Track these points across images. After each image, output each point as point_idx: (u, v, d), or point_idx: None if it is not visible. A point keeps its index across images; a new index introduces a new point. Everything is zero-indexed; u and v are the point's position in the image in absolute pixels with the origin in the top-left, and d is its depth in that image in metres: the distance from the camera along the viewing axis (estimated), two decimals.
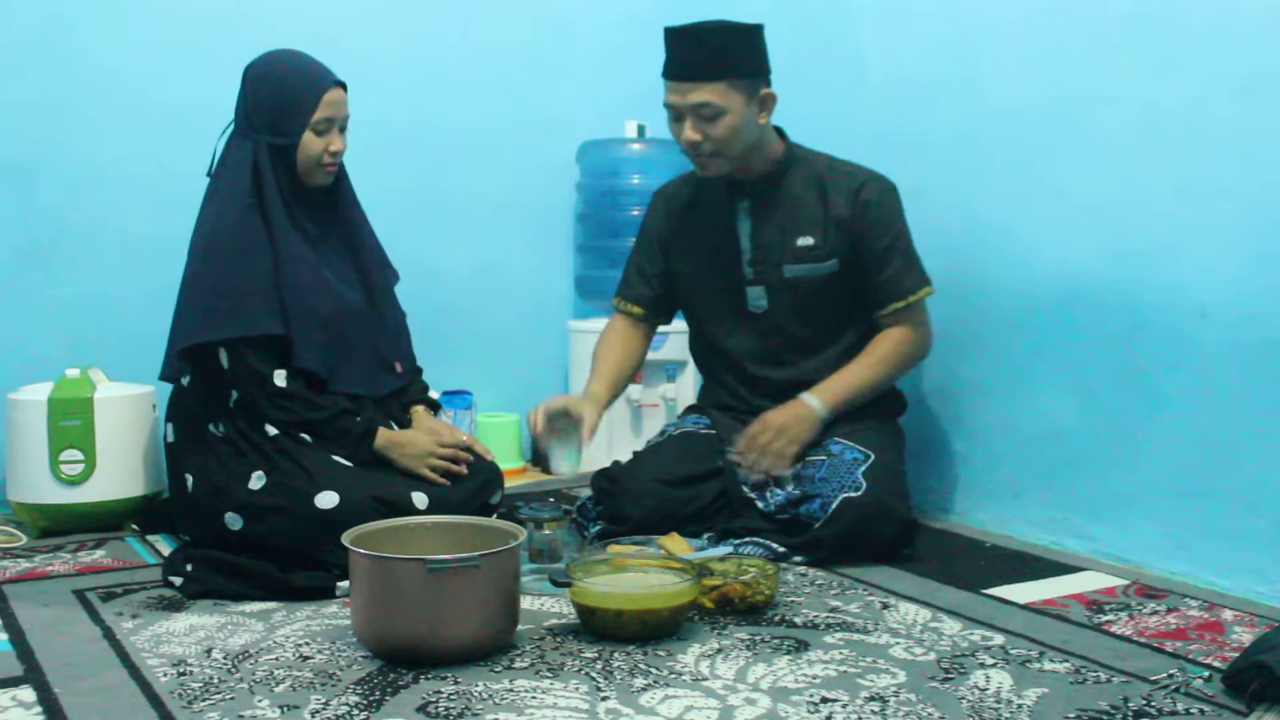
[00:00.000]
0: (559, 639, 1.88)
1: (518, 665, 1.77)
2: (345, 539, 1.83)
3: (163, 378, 2.32)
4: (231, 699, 1.63)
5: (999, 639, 1.88)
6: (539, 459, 2.45)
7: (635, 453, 2.58)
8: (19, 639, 1.89)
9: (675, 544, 2.26)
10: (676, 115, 2.39)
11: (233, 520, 2.16)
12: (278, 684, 1.69)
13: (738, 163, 2.43)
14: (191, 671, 1.74)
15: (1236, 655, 1.69)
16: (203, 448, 2.24)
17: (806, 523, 2.33)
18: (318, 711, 1.59)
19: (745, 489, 2.38)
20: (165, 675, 1.72)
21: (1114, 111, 2.34)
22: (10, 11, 2.81)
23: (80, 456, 2.56)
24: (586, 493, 2.51)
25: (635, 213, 2.76)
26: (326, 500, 2.13)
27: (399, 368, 2.45)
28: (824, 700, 1.62)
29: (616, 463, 2.53)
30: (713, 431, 2.54)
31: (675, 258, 2.61)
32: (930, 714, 1.58)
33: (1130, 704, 1.61)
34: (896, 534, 2.34)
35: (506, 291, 3.42)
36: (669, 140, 2.51)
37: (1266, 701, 1.58)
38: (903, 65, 2.83)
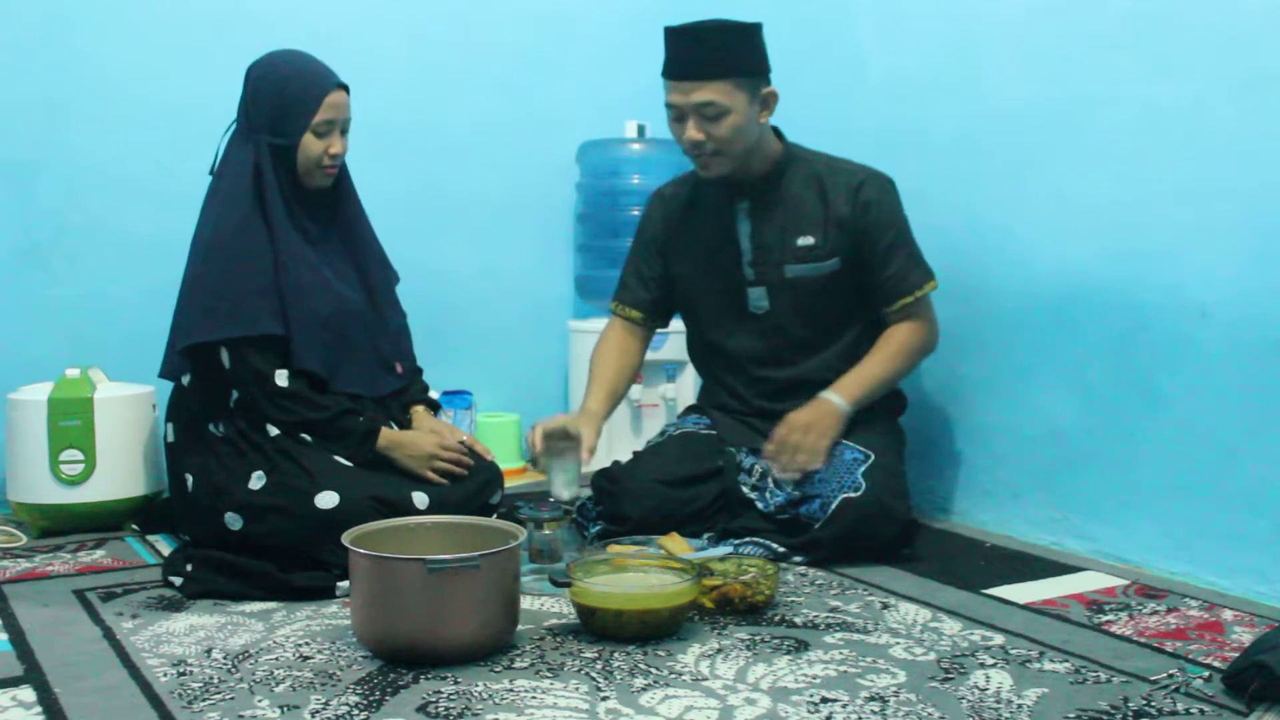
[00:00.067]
0: (559, 639, 1.88)
1: (518, 665, 1.77)
2: (345, 539, 1.83)
3: (163, 375, 2.32)
4: (231, 699, 1.63)
5: (999, 639, 1.88)
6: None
7: (635, 453, 2.58)
8: (19, 639, 1.89)
9: (675, 544, 2.26)
10: (678, 115, 2.39)
11: (233, 520, 2.16)
12: (278, 684, 1.69)
13: (739, 162, 2.43)
14: (191, 671, 1.74)
15: (1236, 655, 1.69)
16: (203, 448, 2.24)
17: (806, 523, 2.33)
18: (318, 711, 1.59)
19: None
20: (165, 675, 1.72)
21: (1114, 111, 2.34)
22: (10, 11, 2.81)
23: (80, 456, 2.56)
24: (586, 493, 2.51)
25: (635, 213, 2.76)
26: (326, 500, 2.13)
27: (399, 368, 2.45)
28: (824, 700, 1.62)
29: (616, 463, 2.53)
30: (713, 432, 2.54)
31: (674, 260, 2.61)
32: (930, 714, 1.58)
33: (1130, 704, 1.61)
34: (896, 534, 2.34)
35: (506, 291, 3.42)
36: (669, 140, 2.51)
37: (1266, 701, 1.58)
38: (903, 65, 2.83)
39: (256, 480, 2.18)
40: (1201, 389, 2.19)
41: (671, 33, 2.37)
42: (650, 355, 2.77)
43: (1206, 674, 1.69)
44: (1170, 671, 1.70)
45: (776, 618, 1.99)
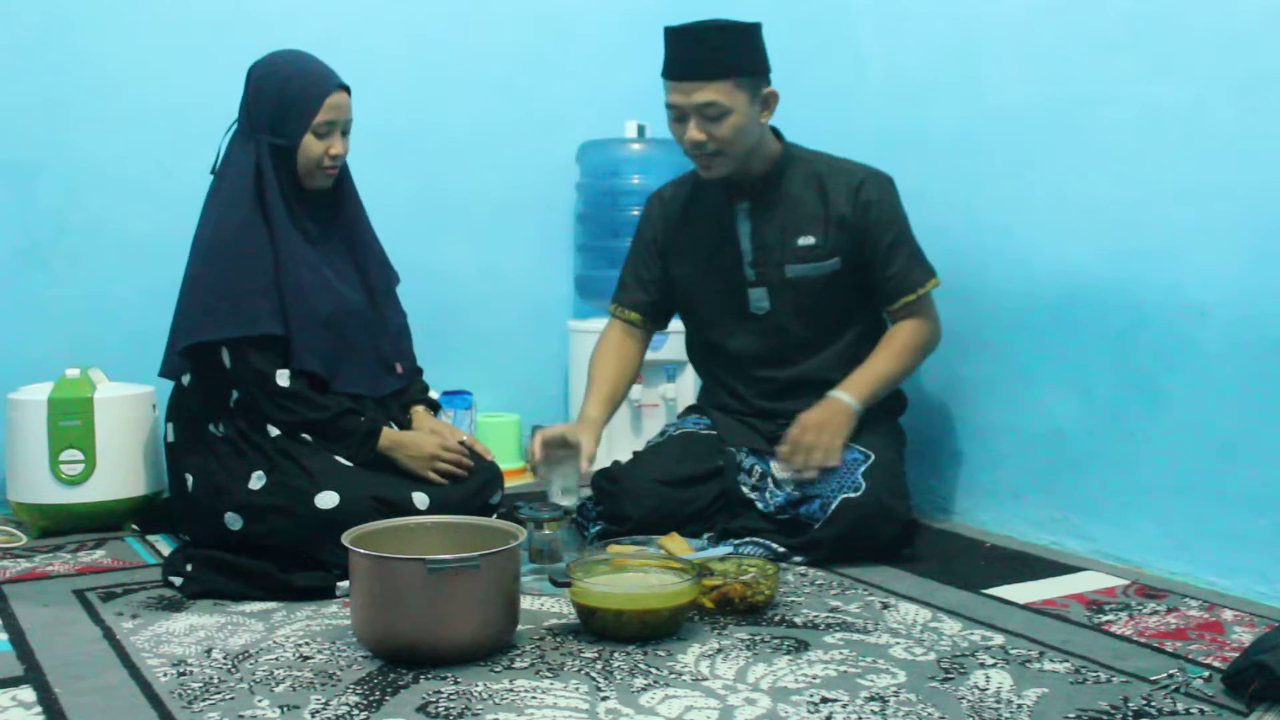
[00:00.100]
0: (559, 639, 1.88)
1: (518, 665, 1.77)
2: (345, 539, 1.83)
3: (163, 375, 2.32)
4: (231, 699, 1.63)
5: (999, 639, 1.88)
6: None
7: (635, 453, 2.58)
8: (19, 639, 1.89)
9: (675, 544, 2.26)
10: (679, 116, 2.38)
11: (233, 520, 2.16)
12: (278, 684, 1.69)
13: (740, 163, 2.42)
14: (191, 671, 1.74)
15: (1236, 655, 1.69)
16: (203, 448, 2.24)
17: (806, 523, 2.33)
18: (318, 711, 1.59)
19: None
20: (165, 675, 1.72)
21: (1114, 111, 2.34)
22: (10, 11, 2.81)
23: (80, 456, 2.56)
24: (586, 493, 2.51)
25: (635, 212, 2.75)
26: (327, 500, 2.13)
27: (399, 368, 2.45)
28: (824, 700, 1.62)
29: (616, 463, 2.52)
30: (713, 432, 2.54)
31: (673, 262, 2.60)
32: (930, 714, 1.58)
33: (1130, 704, 1.61)
34: (896, 534, 2.34)
35: (506, 291, 3.42)
36: (669, 140, 2.51)
37: (1266, 701, 1.58)
38: (903, 65, 2.83)
39: (256, 480, 2.18)
40: (1201, 389, 2.19)
41: (671, 33, 2.37)
42: (650, 355, 2.77)
43: (1206, 674, 1.69)
44: (1170, 671, 1.70)
45: (776, 618, 1.99)
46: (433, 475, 2.29)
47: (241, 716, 1.57)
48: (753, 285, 2.51)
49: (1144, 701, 1.62)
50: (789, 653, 1.81)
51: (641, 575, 1.98)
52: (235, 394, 2.24)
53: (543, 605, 2.05)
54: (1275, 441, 2.08)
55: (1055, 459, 2.48)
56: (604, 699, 1.63)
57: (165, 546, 2.46)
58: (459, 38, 3.31)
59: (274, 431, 2.23)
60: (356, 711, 1.59)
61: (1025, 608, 2.04)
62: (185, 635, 1.90)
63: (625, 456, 2.58)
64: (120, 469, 2.60)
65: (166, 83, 2.94)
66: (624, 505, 2.38)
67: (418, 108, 3.24)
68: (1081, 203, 2.41)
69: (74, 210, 2.88)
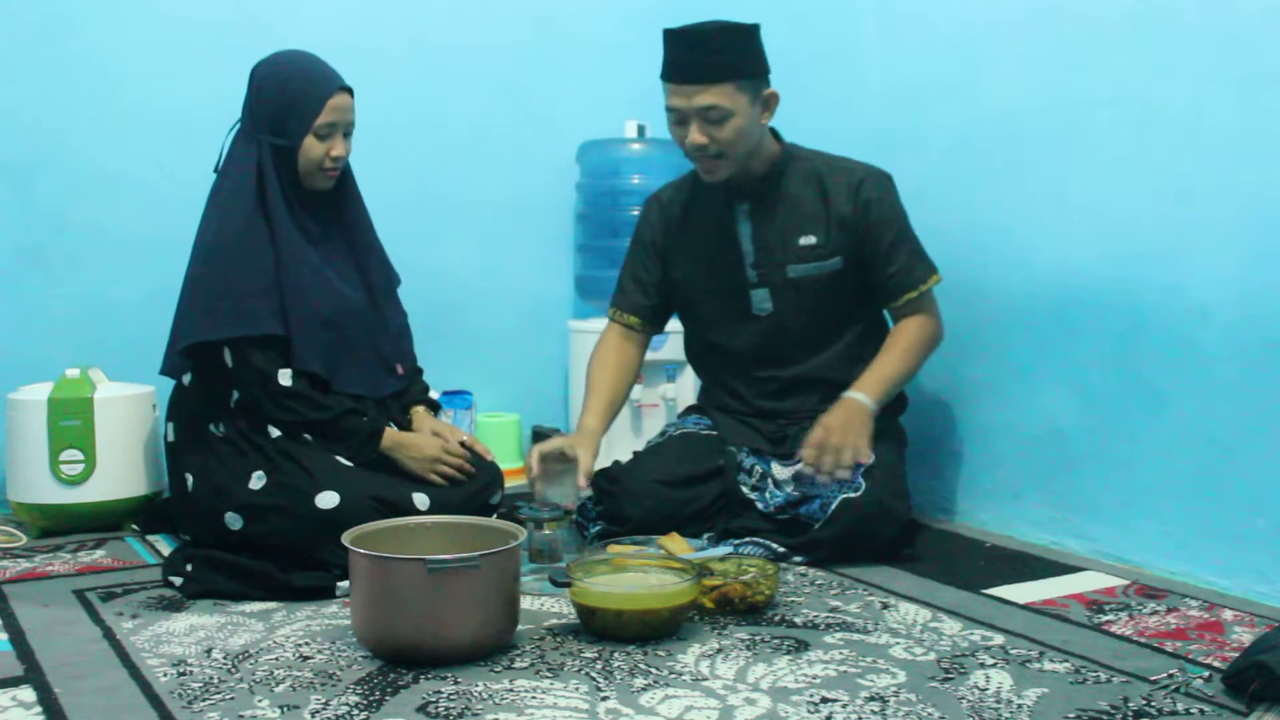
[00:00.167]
0: (559, 639, 1.88)
1: (518, 665, 1.77)
2: (345, 539, 1.83)
3: (163, 373, 2.33)
4: (231, 699, 1.63)
5: (999, 639, 1.88)
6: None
7: (635, 453, 2.58)
8: (19, 639, 1.89)
9: (675, 544, 2.26)
10: (680, 118, 2.37)
11: (233, 520, 2.16)
12: (278, 684, 1.69)
13: (741, 164, 2.42)
14: (191, 671, 1.74)
15: (1236, 655, 1.69)
16: (203, 447, 2.24)
17: (806, 523, 2.33)
18: (318, 711, 1.59)
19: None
20: (165, 675, 1.72)
21: (1114, 112, 2.34)
22: (10, 11, 2.81)
23: (80, 456, 2.56)
24: (586, 493, 2.51)
25: (635, 212, 2.75)
26: (327, 500, 2.13)
27: (400, 369, 2.44)
28: (824, 700, 1.62)
29: (616, 463, 2.52)
30: (713, 432, 2.54)
31: (674, 265, 2.60)
32: (930, 714, 1.58)
33: (1130, 704, 1.61)
34: (896, 534, 2.34)
35: (506, 291, 3.42)
36: (669, 140, 2.50)
37: (1266, 701, 1.58)
38: (903, 67, 2.83)
39: (257, 480, 2.18)
40: (1201, 389, 2.19)
41: (671, 35, 2.36)
42: (650, 355, 2.76)
43: (1206, 674, 1.69)
44: (1170, 671, 1.70)
45: (776, 618, 1.99)
46: (434, 478, 2.29)
47: (241, 716, 1.57)
48: (755, 286, 2.51)
49: (1144, 701, 1.62)
50: (789, 653, 1.81)
51: (641, 575, 1.98)
52: (236, 394, 2.24)
53: (543, 605, 2.05)
54: (1275, 441, 2.08)
55: (1055, 459, 2.48)
56: (604, 699, 1.63)
57: (165, 546, 2.46)
58: (459, 38, 3.31)
59: (275, 432, 2.23)
60: (356, 711, 1.59)
61: (1025, 608, 2.04)
62: (185, 635, 1.90)
63: (625, 456, 2.58)
64: (120, 469, 2.60)
65: (167, 83, 2.94)
66: (624, 505, 2.38)
67: (418, 108, 3.24)
68: (1081, 203, 2.41)
69: (74, 210, 2.88)
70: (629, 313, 2.63)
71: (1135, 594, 2.13)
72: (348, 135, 2.32)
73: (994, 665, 1.76)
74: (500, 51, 3.36)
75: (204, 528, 2.22)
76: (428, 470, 2.29)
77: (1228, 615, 2.00)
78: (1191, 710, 1.59)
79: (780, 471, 2.43)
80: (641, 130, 3.34)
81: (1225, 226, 2.15)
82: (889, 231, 2.45)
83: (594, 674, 1.72)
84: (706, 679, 1.71)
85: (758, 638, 1.88)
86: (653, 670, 1.74)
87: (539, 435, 3.20)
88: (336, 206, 2.38)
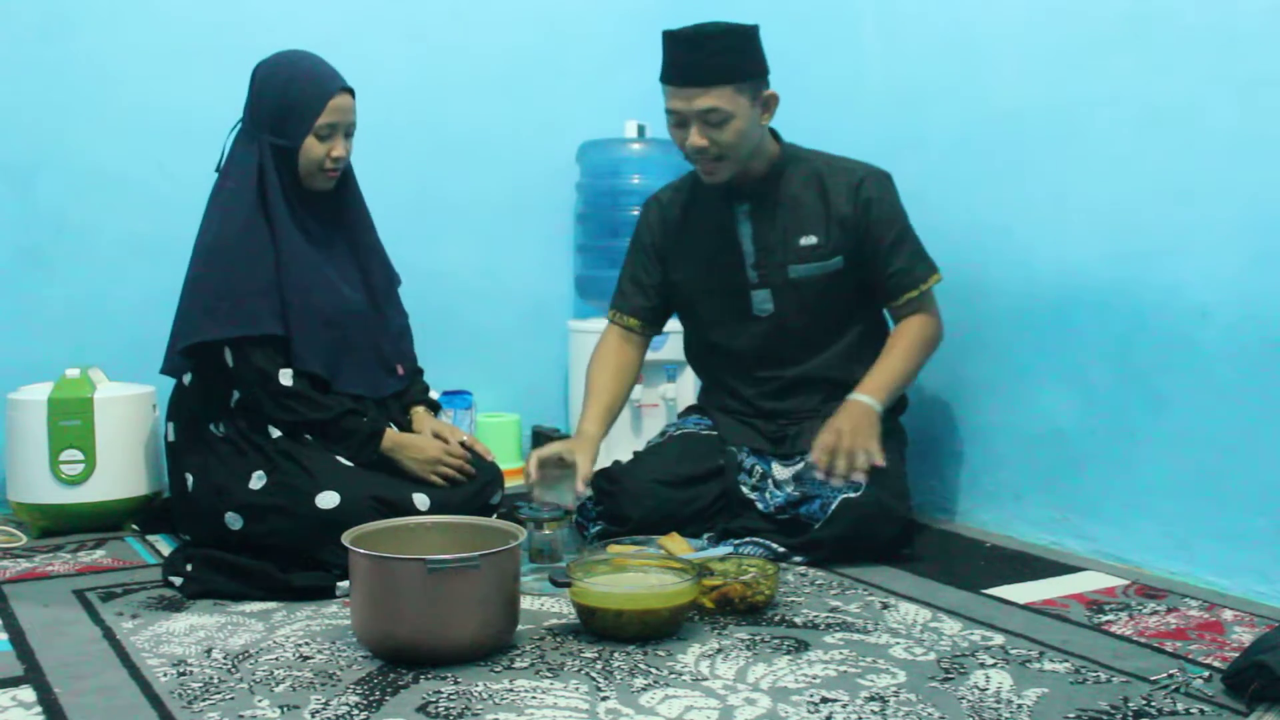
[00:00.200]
0: (559, 639, 1.88)
1: (518, 665, 1.77)
2: (345, 539, 1.83)
3: (163, 372, 2.33)
4: (231, 699, 1.63)
5: (999, 639, 1.88)
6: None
7: (635, 453, 2.58)
8: (19, 639, 1.89)
9: (675, 544, 2.26)
10: (680, 121, 2.37)
11: (233, 520, 2.16)
12: (278, 684, 1.69)
13: (741, 166, 2.42)
14: (191, 671, 1.74)
15: (1236, 655, 1.69)
16: (203, 447, 2.24)
17: (806, 523, 2.33)
18: (318, 711, 1.59)
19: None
20: (165, 675, 1.72)
21: (1113, 112, 2.34)
22: (10, 11, 2.81)
23: (80, 456, 2.56)
24: (586, 493, 2.51)
25: (635, 212, 2.75)
26: (327, 500, 2.13)
27: (400, 369, 2.44)
28: (824, 700, 1.62)
29: (617, 463, 2.52)
30: (713, 432, 2.54)
31: (674, 266, 2.59)
32: (930, 714, 1.58)
33: (1130, 704, 1.61)
34: (896, 534, 2.34)
35: (506, 292, 3.42)
36: (669, 140, 2.50)
37: (1266, 701, 1.58)
38: (903, 67, 2.83)
39: (257, 480, 2.18)
40: (1201, 389, 2.19)
41: (670, 37, 2.35)
42: (650, 355, 2.76)
43: (1206, 674, 1.69)
44: (1170, 671, 1.70)
45: (776, 618, 1.99)
46: (435, 479, 2.29)
47: (241, 716, 1.57)
48: (756, 287, 2.51)
49: (1144, 701, 1.62)
50: (789, 653, 1.81)
51: (641, 575, 1.98)
52: (236, 394, 2.24)
53: (543, 605, 2.05)
54: (1275, 441, 2.08)
55: (1055, 459, 2.48)
56: (604, 699, 1.63)
57: (165, 546, 2.46)
58: (459, 39, 3.31)
59: (275, 432, 2.23)
60: (356, 711, 1.59)
61: (1025, 608, 2.04)
62: (185, 635, 1.90)
63: (625, 457, 2.58)
64: (120, 469, 2.60)
65: (167, 83, 2.94)
66: (624, 505, 2.38)
67: (418, 109, 3.24)
68: (1081, 203, 2.41)
69: (74, 211, 2.88)
70: (629, 315, 2.62)
71: (1135, 594, 2.13)
72: (349, 136, 2.32)
73: (994, 665, 1.76)
74: (500, 52, 3.36)
75: (204, 528, 2.22)
76: (429, 471, 2.29)
77: (1228, 615, 2.00)
78: (1191, 710, 1.59)
79: (780, 471, 2.43)
80: (641, 130, 3.34)
81: (1225, 226, 2.15)
82: (889, 231, 2.45)
83: (594, 674, 1.72)
84: (706, 679, 1.71)
85: (758, 638, 1.88)
86: (653, 670, 1.74)
87: (539, 435, 3.20)
88: (337, 207, 2.38)
